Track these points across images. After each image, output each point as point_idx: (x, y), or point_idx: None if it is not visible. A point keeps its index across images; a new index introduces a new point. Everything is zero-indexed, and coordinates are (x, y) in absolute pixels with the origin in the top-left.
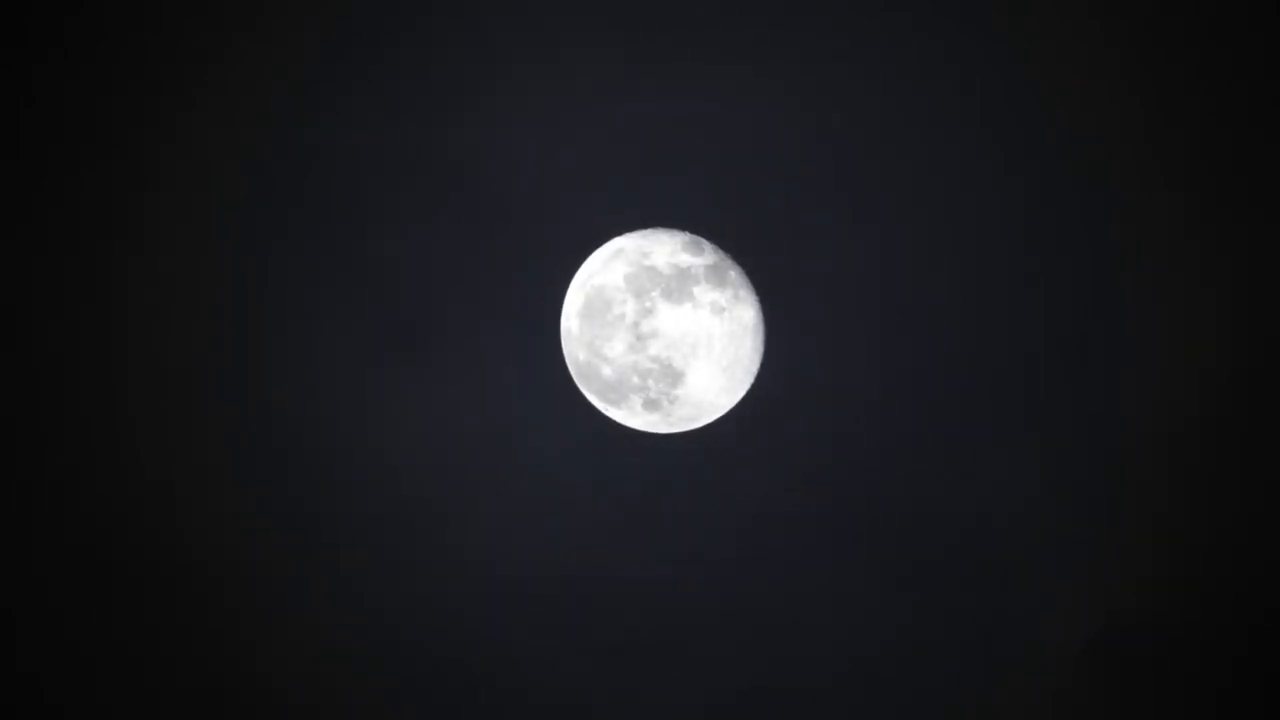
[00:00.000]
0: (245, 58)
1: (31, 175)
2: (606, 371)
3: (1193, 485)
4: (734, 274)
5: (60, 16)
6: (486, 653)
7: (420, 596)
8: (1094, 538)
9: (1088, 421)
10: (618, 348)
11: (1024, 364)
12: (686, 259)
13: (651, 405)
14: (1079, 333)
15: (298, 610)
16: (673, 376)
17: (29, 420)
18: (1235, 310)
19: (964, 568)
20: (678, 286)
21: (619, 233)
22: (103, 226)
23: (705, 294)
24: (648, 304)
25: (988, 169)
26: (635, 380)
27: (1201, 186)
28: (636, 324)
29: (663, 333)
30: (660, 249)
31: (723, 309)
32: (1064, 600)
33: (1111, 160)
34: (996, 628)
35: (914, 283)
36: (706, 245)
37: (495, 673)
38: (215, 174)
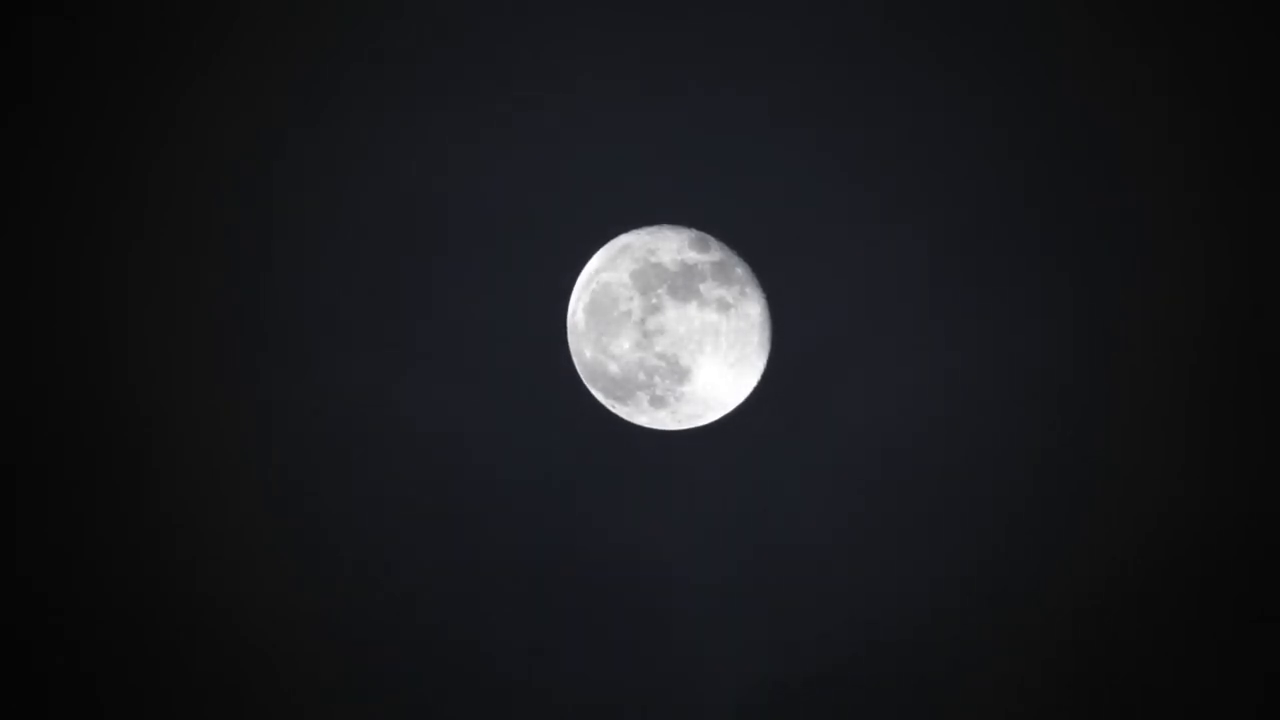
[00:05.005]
0: (249, 57)
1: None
2: (613, 368)
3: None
4: (740, 270)
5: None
6: (486, 652)
7: (421, 595)
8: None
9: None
10: (624, 345)
11: (1024, 365)
12: (693, 256)
13: (658, 402)
14: (1077, 337)
15: (297, 610)
16: (679, 373)
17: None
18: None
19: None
20: (684, 283)
21: (625, 230)
22: (105, 223)
23: (711, 291)
24: (654, 301)
25: (994, 166)
26: (642, 377)
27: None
28: (643, 321)
29: (669, 329)
30: (666, 246)
31: (729, 305)
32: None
33: (1137, 167)
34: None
35: (917, 279)
36: (713, 242)
37: (496, 671)
38: (218, 177)
